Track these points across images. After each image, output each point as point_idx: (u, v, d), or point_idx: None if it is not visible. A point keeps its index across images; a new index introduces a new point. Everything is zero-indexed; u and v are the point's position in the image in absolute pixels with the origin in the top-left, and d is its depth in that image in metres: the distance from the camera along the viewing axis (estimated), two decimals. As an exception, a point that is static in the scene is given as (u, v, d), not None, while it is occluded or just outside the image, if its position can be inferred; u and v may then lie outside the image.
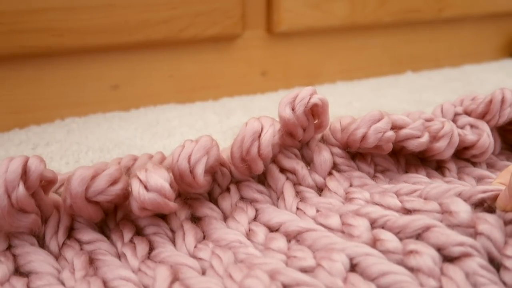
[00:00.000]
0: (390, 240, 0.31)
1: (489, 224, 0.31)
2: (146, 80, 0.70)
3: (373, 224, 0.33)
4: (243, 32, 0.75)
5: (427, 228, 0.31)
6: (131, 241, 0.34)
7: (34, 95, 0.63)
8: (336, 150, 0.42)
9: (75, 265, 0.32)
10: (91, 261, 0.33)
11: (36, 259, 0.32)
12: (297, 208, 0.38)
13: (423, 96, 0.77)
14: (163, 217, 0.37)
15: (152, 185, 0.32)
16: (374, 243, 0.32)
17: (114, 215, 0.36)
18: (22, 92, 0.63)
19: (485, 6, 0.96)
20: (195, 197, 0.38)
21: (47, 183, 0.34)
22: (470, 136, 0.45)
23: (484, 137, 0.44)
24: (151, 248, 0.34)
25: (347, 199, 0.38)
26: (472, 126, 0.46)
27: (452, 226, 0.32)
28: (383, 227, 0.33)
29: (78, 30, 0.62)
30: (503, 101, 0.46)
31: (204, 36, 0.71)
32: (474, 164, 0.46)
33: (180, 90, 0.73)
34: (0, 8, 0.57)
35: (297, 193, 0.39)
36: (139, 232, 0.36)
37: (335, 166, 0.42)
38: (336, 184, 0.40)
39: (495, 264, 0.30)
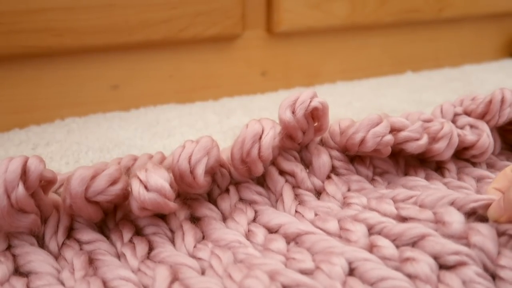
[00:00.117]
0: (386, 247, 0.32)
1: (482, 235, 0.31)
2: (146, 80, 0.70)
3: (370, 230, 0.34)
4: (243, 32, 0.75)
5: (423, 237, 0.31)
6: (130, 241, 0.34)
7: (34, 95, 0.64)
8: (335, 153, 0.42)
9: (75, 265, 0.32)
10: (91, 261, 0.33)
11: (36, 259, 0.32)
12: (296, 211, 0.38)
13: (423, 96, 0.77)
14: (162, 217, 0.37)
15: (152, 185, 0.32)
16: (371, 249, 0.32)
17: (114, 215, 0.36)
18: (22, 92, 0.63)
19: (485, 6, 0.96)
20: (194, 198, 0.38)
21: (47, 183, 0.34)
22: (469, 136, 0.45)
23: (484, 137, 0.44)
24: (151, 248, 0.34)
25: (345, 203, 0.39)
26: (471, 126, 0.46)
27: (445, 236, 0.32)
28: (380, 234, 0.33)
29: (78, 30, 0.62)
30: (502, 101, 0.46)
31: (204, 36, 0.71)
32: (474, 164, 0.46)
33: (180, 90, 0.73)
34: (0, 8, 0.57)
35: (296, 196, 0.40)
36: (138, 232, 0.36)
37: (333, 169, 0.42)
38: (334, 188, 0.40)
39: (490, 274, 0.30)
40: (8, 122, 0.62)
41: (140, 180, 0.33)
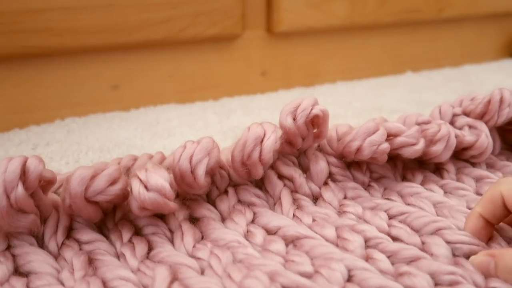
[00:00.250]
0: (382, 261, 0.32)
1: (468, 271, 0.31)
2: (146, 80, 0.70)
3: (367, 242, 0.34)
4: (243, 32, 0.75)
5: (418, 258, 0.32)
6: (130, 241, 0.34)
7: (34, 95, 0.64)
8: (332, 159, 0.42)
9: (75, 265, 0.32)
10: (90, 261, 0.33)
11: (36, 259, 0.32)
12: (294, 215, 0.38)
13: (423, 96, 0.77)
14: (161, 217, 0.37)
15: (152, 185, 0.32)
16: (366, 260, 0.33)
17: (113, 215, 0.36)
18: (22, 92, 0.63)
19: (485, 6, 0.96)
20: (193, 198, 0.38)
21: (46, 183, 0.34)
22: (468, 137, 0.45)
23: (483, 138, 0.44)
24: (150, 248, 0.34)
25: (341, 211, 0.39)
26: (470, 126, 0.46)
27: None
28: (375, 248, 0.34)
29: (78, 30, 0.62)
30: (501, 101, 0.46)
31: (204, 36, 0.71)
32: (474, 165, 0.46)
33: (180, 90, 0.73)
34: (0, 8, 0.57)
35: (294, 200, 0.40)
36: (138, 232, 0.36)
37: (330, 175, 0.42)
38: (331, 195, 0.40)
39: None
40: (8, 122, 0.62)
41: (140, 180, 0.33)
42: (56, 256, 0.33)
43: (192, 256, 0.33)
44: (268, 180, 0.41)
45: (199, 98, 0.74)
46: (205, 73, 0.74)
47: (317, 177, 0.41)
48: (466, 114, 0.48)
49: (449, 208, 0.38)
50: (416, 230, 0.36)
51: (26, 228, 0.33)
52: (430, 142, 0.43)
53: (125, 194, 0.34)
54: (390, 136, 0.41)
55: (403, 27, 0.90)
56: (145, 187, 0.33)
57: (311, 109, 0.39)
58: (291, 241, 0.35)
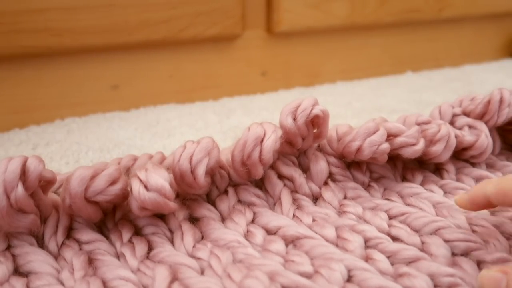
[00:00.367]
0: (382, 261, 0.32)
1: (465, 272, 0.31)
2: (146, 80, 0.70)
3: (367, 242, 0.34)
4: (243, 32, 0.75)
5: (417, 259, 0.32)
6: (130, 241, 0.34)
7: (34, 95, 0.64)
8: (332, 159, 0.42)
9: (75, 265, 0.32)
10: (90, 261, 0.33)
11: (36, 259, 0.32)
12: (294, 215, 0.38)
13: (423, 96, 0.77)
14: (161, 217, 0.37)
15: (152, 184, 0.33)
16: (366, 261, 0.33)
17: (113, 215, 0.36)
18: (22, 92, 0.63)
19: (485, 6, 0.96)
20: (193, 198, 0.38)
21: (46, 183, 0.34)
22: (468, 137, 0.45)
23: (482, 138, 0.44)
24: (150, 248, 0.34)
25: (341, 211, 0.39)
26: (470, 126, 0.46)
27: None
28: (375, 248, 0.34)
29: (78, 30, 0.62)
30: (501, 101, 0.46)
31: (204, 36, 0.71)
32: (474, 165, 0.46)
33: (180, 90, 0.73)
34: (0, 8, 0.57)
35: (294, 200, 0.40)
36: (137, 232, 0.36)
37: (330, 176, 0.42)
38: (331, 195, 0.40)
39: None
40: (8, 122, 0.62)
41: (140, 180, 0.33)
42: (56, 256, 0.34)
43: (192, 256, 0.33)
44: (268, 180, 0.41)
45: (199, 98, 0.74)
46: (205, 73, 0.74)
47: (317, 177, 0.41)
48: (466, 114, 0.48)
49: (448, 208, 0.38)
50: (416, 230, 0.36)
51: (26, 228, 0.33)
52: (430, 142, 0.43)
53: (125, 194, 0.34)
54: (390, 136, 0.41)
55: (403, 27, 0.90)
56: (145, 187, 0.33)
57: (311, 109, 0.39)
58: (291, 241, 0.35)
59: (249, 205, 0.39)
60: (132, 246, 0.34)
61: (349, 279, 0.31)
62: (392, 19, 0.86)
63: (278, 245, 0.34)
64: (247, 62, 0.77)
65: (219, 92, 0.76)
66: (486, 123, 0.46)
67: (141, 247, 0.34)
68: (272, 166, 0.41)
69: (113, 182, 0.33)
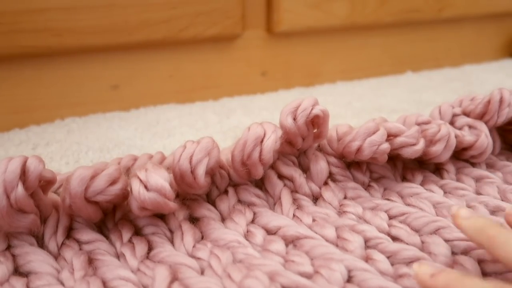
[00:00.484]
0: (381, 261, 0.32)
1: (466, 270, 0.31)
2: (146, 80, 0.70)
3: (367, 242, 0.35)
4: (243, 32, 0.75)
5: (417, 259, 0.32)
6: (130, 241, 0.34)
7: (34, 95, 0.64)
8: (332, 159, 0.42)
9: (74, 265, 0.32)
10: (90, 261, 0.33)
11: (36, 259, 0.32)
12: (294, 215, 0.38)
13: (423, 96, 0.77)
14: (161, 217, 0.37)
15: (152, 184, 0.32)
16: (366, 261, 0.33)
17: (113, 215, 0.36)
18: (22, 92, 0.63)
19: (485, 6, 0.96)
20: (193, 198, 0.38)
21: (46, 183, 0.34)
22: (468, 137, 0.45)
23: (482, 138, 0.44)
24: (150, 248, 0.34)
25: (341, 211, 0.39)
26: (470, 126, 0.46)
27: None
28: (375, 248, 0.34)
29: (78, 30, 0.62)
30: (501, 101, 0.46)
31: (204, 36, 0.71)
32: (474, 165, 0.46)
33: (180, 90, 0.73)
34: (0, 8, 0.57)
35: (294, 200, 0.40)
36: (137, 232, 0.36)
37: (330, 176, 0.42)
38: (331, 195, 0.40)
39: None
40: (8, 122, 0.62)
41: (140, 180, 0.33)
42: (56, 256, 0.34)
43: (192, 256, 0.33)
44: (268, 180, 0.41)
45: (199, 98, 0.74)
46: (205, 73, 0.74)
47: (317, 177, 0.41)
48: (466, 114, 0.48)
49: (448, 208, 0.38)
50: (416, 230, 0.36)
51: (26, 228, 0.33)
52: (430, 142, 0.43)
53: (125, 194, 0.34)
54: (390, 136, 0.41)
55: (403, 27, 0.90)
56: (145, 187, 0.33)
57: (312, 109, 0.39)
58: (291, 241, 0.35)
59: (249, 205, 0.39)
60: (132, 246, 0.34)
61: (349, 279, 0.31)
62: (392, 19, 0.86)
63: (278, 245, 0.34)
64: (247, 62, 0.77)
65: (219, 92, 0.76)
66: (486, 123, 0.46)
67: (141, 247, 0.34)
68: (272, 166, 0.41)
69: (113, 182, 0.33)
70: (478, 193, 0.42)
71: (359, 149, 0.40)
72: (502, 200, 0.40)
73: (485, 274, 0.32)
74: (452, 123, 0.47)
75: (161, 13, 0.67)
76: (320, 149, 0.43)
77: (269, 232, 0.36)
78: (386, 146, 0.40)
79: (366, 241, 0.34)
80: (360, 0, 0.82)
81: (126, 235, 0.35)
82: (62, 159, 0.53)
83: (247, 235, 0.36)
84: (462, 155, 0.46)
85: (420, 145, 0.41)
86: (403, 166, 0.45)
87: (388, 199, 0.41)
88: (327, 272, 0.30)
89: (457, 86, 0.82)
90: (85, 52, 0.65)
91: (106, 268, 0.32)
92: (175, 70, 0.72)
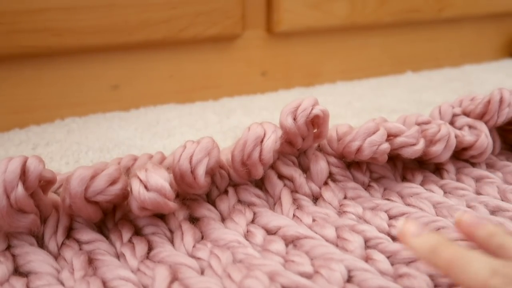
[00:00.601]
0: (381, 261, 0.32)
1: None
2: (146, 80, 0.70)
3: (367, 242, 0.35)
4: (243, 32, 0.75)
5: (417, 259, 0.32)
6: (130, 241, 0.34)
7: (34, 95, 0.64)
8: (332, 159, 0.42)
9: (74, 265, 0.32)
10: (90, 261, 0.33)
11: (36, 259, 0.32)
12: (294, 215, 0.38)
13: (423, 96, 0.77)
14: (161, 217, 0.37)
15: (152, 184, 0.32)
16: (366, 261, 0.33)
17: (113, 215, 0.36)
18: (22, 92, 0.63)
19: (485, 6, 0.96)
20: (193, 198, 0.38)
21: (46, 183, 0.34)
22: (468, 137, 0.45)
23: (482, 138, 0.44)
24: (150, 248, 0.34)
25: (341, 211, 0.39)
26: (470, 126, 0.46)
27: None
28: (375, 248, 0.34)
29: (78, 30, 0.62)
30: (501, 101, 0.46)
31: (204, 36, 0.71)
32: (473, 165, 0.46)
33: (180, 90, 0.73)
34: (0, 8, 0.57)
35: (294, 200, 0.40)
36: (137, 232, 0.36)
37: (330, 176, 0.42)
38: (331, 195, 0.40)
39: None
40: (8, 122, 0.62)
41: (140, 180, 0.33)
42: (56, 256, 0.34)
43: (192, 256, 0.33)
44: (268, 180, 0.41)
45: (199, 98, 0.74)
46: (205, 73, 0.74)
47: (317, 177, 0.41)
48: (466, 114, 0.48)
49: (448, 208, 0.38)
50: None
51: (26, 228, 0.33)
52: (430, 142, 0.43)
53: (125, 194, 0.34)
54: (390, 136, 0.41)
55: (403, 27, 0.90)
56: (145, 187, 0.33)
57: (312, 109, 0.39)
58: (291, 241, 0.35)
59: (249, 205, 0.39)
60: (132, 246, 0.34)
61: (349, 279, 0.31)
62: (392, 19, 0.86)
63: (278, 245, 0.34)
64: (247, 62, 0.77)
65: (219, 92, 0.76)
66: (486, 123, 0.46)
67: (141, 247, 0.34)
68: (272, 166, 0.41)
69: (113, 182, 0.33)
70: (478, 193, 0.42)
71: (359, 149, 0.40)
72: (502, 200, 0.40)
73: None
74: (452, 123, 0.47)
75: (161, 13, 0.67)
76: (320, 149, 0.43)
77: (269, 232, 0.36)
78: (386, 146, 0.40)
79: (366, 241, 0.34)
80: (360, 0, 0.82)
81: (126, 235, 0.35)
82: (62, 159, 0.53)
83: (247, 235, 0.36)
84: (462, 155, 0.46)
85: (420, 145, 0.41)
86: (403, 166, 0.45)
87: (388, 199, 0.41)
88: (327, 272, 0.30)
89: (457, 86, 0.82)
90: (85, 52, 0.65)
91: (106, 268, 0.32)
92: (175, 70, 0.72)
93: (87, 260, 0.33)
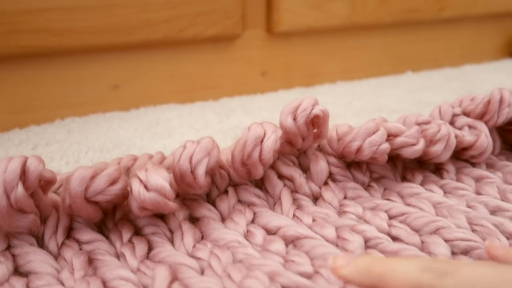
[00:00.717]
0: None
1: None
2: (146, 80, 0.70)
3: (367, 242, 0.34)
4: (243, 32, 0.75)
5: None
6: (130, 241, 0.34)
7: (34, 95, 0.64)
8: (332, 159, 0.42)
9: (74, 265, 0.32)
10: (90, 261, 0.33)
11: (36, 259, 0.32)
12: (294, 215, 0.38)
13: (423, 96, 0.77)
14: (161, 217, 0.37)
15: (152, 184, 0.32)
16: None
17: (113, 215, 0.36)
18: (22, 92, 0.63)
19: (485, 6, 0.96)
20: (193, 198, 0.38)
21: (46, 183, 0.34)
22: (468, 137, 0.45)
23: (482, 138, 0.44)
24: (150, 248, 0.34)
25: (341, 211, 0.39)
26: (470, 126, 0.46)
27: None
28: (375, 248, 0.34)
29: (78, 30, 0.62)
30: (501, 101, 0.46)
31: (204, 36, 0.71)
32: (474, 165, 0.46)
33: (180, 90, 0.73)
34: (0, 8, 0.57)
35: (294, 200, 0.40)
36: (137, 232, 0.36)
37: (330, 176, 0.42)
38: (331, 195, 0.40)
39: None
40: (8, 122, 0.62)
41: (140, 180, 0.33)
42: (56, 256, 0.34)
43: (192, 256, 0.33)
44: (268, 180, 0.41)
45: (199, 98, 0.74)
46: (205, 73, 0.74)
47: (317, 177, 0.41)
48: (466, 114, 0.48)
49: (448, 208, 0.38)
50: (416, 230, 0.36)
51: (26, 228, 0.33)
52: (430, 142, 0.43)
53: (125, 194, 0.34)
54: (390, 136, 0.41)
55: (403, 27, 0.90)
56: (145, 187, 0.33)
57: (312, 109, 0.39)
58: (291, 241, 0.35)
59: (249, 205, 0.39)
60: (132, 246, 0.34)
61: None
62: (392, 19, 0.86)
63: (278, 245, 0.34)
64: (247, 62, 0.77)
65: (219, 92, 0.76)
66: (486, 123, 0.46)
67: (141, 247, 0.34)
68: (272, 166, 0.41)
69: (113, 182, 0.33)
70: (478, 193, 0.42)
71: (359, 149, 0.40)
72: (502, 200, 0.40)
73: None
74: (452, 123, 0.47)
75: (161, 13, 0.67)
76: (320, 149, 0.43)
77: (269, 232, 0.36)
78: (386, 146, 0.40)
79: (366, 241, 0.34)
80: (360, 0, 0.82)
81: (126, 235, 0.35)
82: (62, 159, 0.53)
83: (247, 235, 0.36)
84: (462, 155, 0.46)
85: (420, 145, 0.41)
86: (403, 166, 0.45)
87: (388, 199, 0.41)
88: (327, 272, 0.30)
89: (457, 86, 0.82)
90: (85, 52, 0.65)
91: (106, 268, 0.32)
92: (175, 70, 0.72)
93: (87, 260, 0.33)
